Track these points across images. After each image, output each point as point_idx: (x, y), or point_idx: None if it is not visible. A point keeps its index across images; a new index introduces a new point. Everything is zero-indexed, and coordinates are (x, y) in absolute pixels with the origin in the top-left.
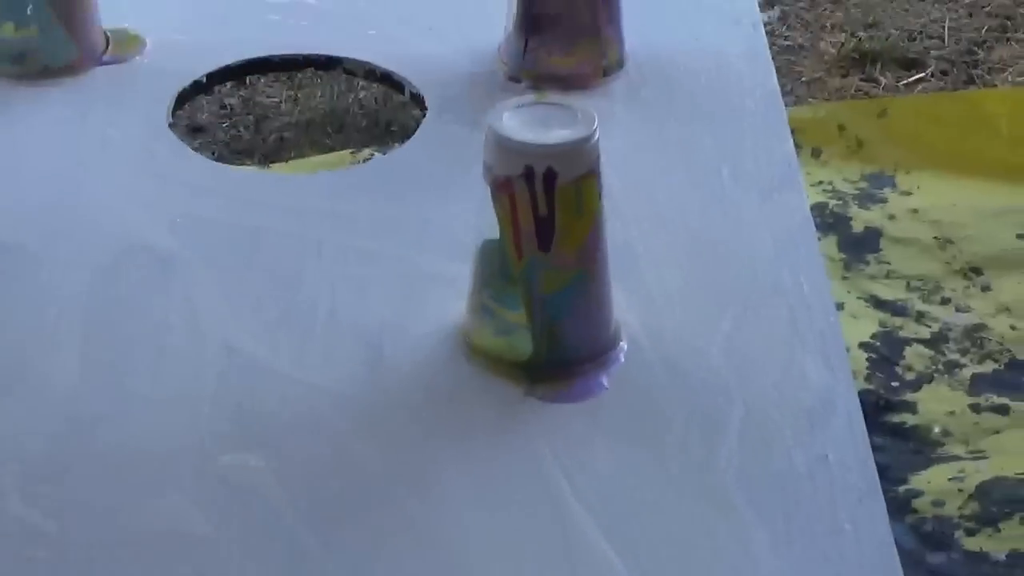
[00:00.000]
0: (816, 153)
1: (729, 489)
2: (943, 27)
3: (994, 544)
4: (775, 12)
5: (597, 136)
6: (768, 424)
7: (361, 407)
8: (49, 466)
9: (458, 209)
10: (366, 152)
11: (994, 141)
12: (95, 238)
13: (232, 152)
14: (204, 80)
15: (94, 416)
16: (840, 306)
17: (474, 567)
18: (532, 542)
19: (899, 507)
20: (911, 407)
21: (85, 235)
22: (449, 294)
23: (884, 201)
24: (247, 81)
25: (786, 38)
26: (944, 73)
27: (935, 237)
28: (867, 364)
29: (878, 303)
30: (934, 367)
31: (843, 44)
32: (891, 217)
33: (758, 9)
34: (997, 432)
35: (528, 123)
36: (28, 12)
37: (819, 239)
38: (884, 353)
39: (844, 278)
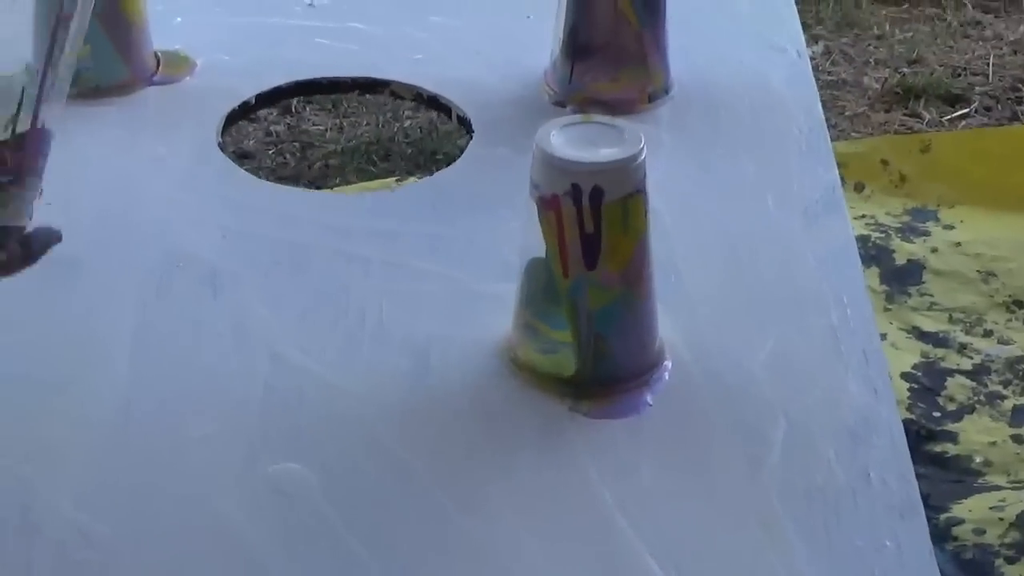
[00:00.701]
0: (859, 187)
1: (772, 504)
2: (987, 63)
3: None
4: (819, 47)
5: (644, 155)
6: (811, 441)
7: (407, 419)
8: (99, 472)
9: (504, 229)
10: (411, 180)
11: None
12: (145, 252)
13: (278, 178)
14: (253, 101)
15: (143, 423)
16: (882, 337)
17: None
18: (576, 553)
19: (940, 535)
20: (952, 437)
21: (136, 248)
22: (495, 311)
23: (927, 234)
24: (293, 108)
25: (830, 73)
26: (988, 109)
27: (978, 270)
28: (908, 394)
29: (920, 334)
30: (976, 398)
31: (887, 79)
32: (934, 250)
33: (803, 38)
34: None
35: (575, 142)
36: None
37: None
38: (926, 384)
39: (886, 309)
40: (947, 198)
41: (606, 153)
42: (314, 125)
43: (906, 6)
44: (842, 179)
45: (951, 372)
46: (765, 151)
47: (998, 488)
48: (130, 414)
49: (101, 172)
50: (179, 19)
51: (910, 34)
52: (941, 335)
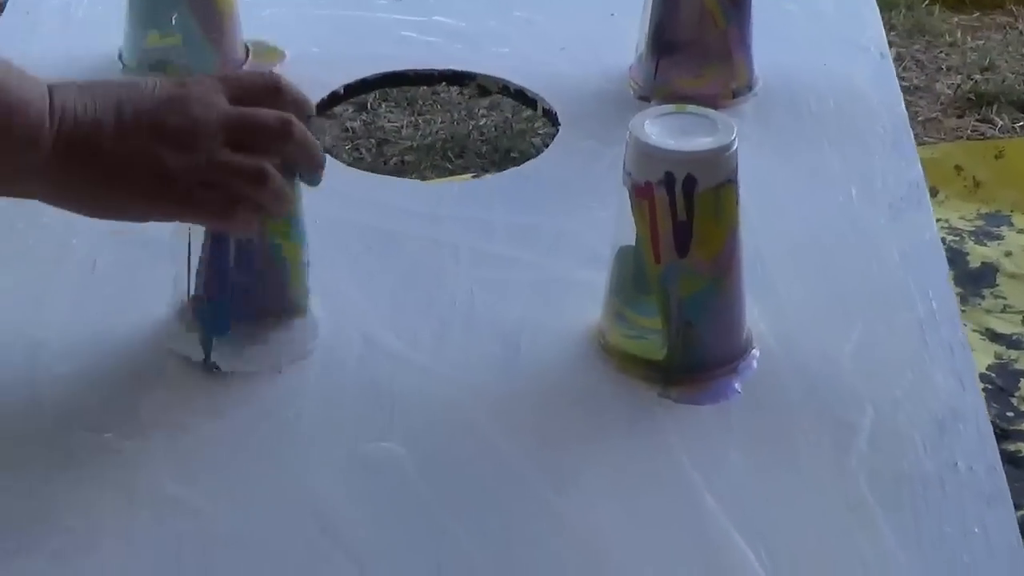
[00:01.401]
0: (933, 191)
1: (860, 489)
2: None
3: None
4: (891, 53)
5: (736, 145)
6: (898, 430)
7: (499, 400)
8: (199, 450)
9: (591, 219)
10: (487, 177)
11: None
12: None
13: None
14: (342, 91)
15: (242, 402)
16: None
17: (611, 554)
18: (666, 532)
19: None
20: None
21: None
22: (585, 298)
23: (1000, 238)
24: (369, 105)
25: (902, 78)
26: None
27: None
28: (982, 395)
29: (994, 336)
30: None
31: (959, 86)
32: (1008, 254)
33: (886, 40)
34: None
35: (669, 131)
36: (173, 22)
37: None
38: (999, 384)
39: (960, 311)
40: (1021, 203)
41: (699, 142)
42: (390, 122)
43: (977, 14)
44: None
45: None
46: (849, 147)
47: None
48: (230, 394)
49: None
50: (268, 11)
51: (982, 42)
52: (1014, 337)
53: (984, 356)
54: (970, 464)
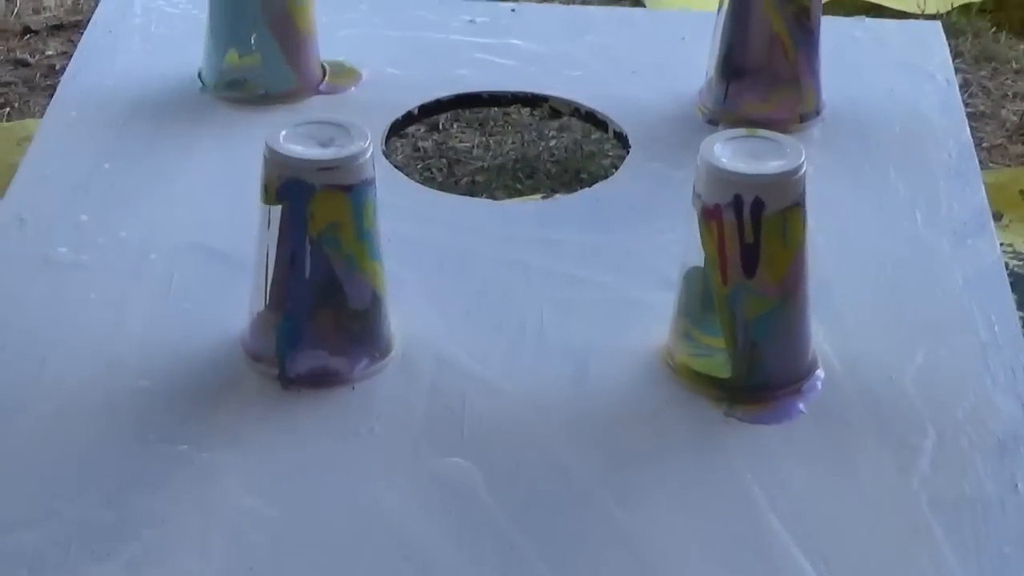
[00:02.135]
0: (997, 217)
1: (921, 510)
2: None
3: None
4: (958, 80)
5: (804, 169)
6: (959, 453)
7: (567, 418)
8: (273, 463)
9: (660, 240)
10: (558, 197)
11: None
12: None
13: None
14: (416, 111)
15: (316, 416)
16: None
17: (675, 571)
18: (730, 549)
19: None
20: None
21: None
22: (652, 319)
23: None
24: (440, 125)
25: (968, 105)
26: None
27: None
28: None
29: None
30: None
31: None
32: None
33: (952, 68)
34: None
35: (738, 154)
36: (252, 42)
37: None
38: None
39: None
40: None
41: (768, 166)
42: (461, 142)
43: None
44: None
45: None
46: (914, 173)
47: None
48: (301, 409)
49: None
50: (345, 31)
51: None
52: None
53: None
54: None
